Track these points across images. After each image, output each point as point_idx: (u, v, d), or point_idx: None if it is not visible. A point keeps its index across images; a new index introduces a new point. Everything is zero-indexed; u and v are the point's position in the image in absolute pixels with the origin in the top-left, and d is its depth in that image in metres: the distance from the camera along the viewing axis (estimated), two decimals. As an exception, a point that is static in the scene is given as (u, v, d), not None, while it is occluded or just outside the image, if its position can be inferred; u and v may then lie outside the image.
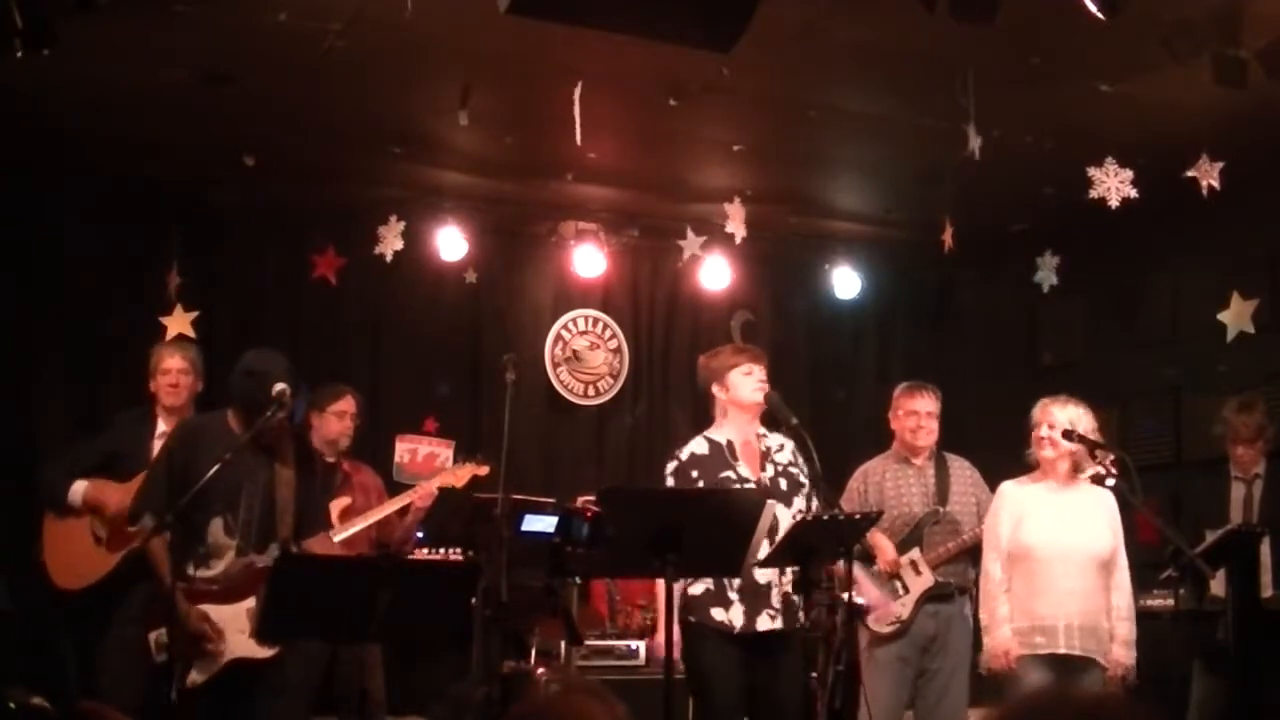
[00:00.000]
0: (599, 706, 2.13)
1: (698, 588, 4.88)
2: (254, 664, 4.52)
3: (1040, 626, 5.09)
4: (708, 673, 4.88)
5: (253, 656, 4.51)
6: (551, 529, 3.96)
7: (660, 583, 4.74)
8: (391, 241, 7.50)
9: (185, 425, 4.84)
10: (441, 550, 6.54)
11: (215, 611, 4.52)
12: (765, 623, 4.84)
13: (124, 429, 6.04)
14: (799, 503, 5.01)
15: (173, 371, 6.05)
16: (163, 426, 5.94)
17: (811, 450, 5.01)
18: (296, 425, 4.91)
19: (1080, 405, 5.23)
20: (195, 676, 4.46)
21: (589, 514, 3.91)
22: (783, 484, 5.00)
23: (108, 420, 6.27)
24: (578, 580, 4.25)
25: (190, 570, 4.59)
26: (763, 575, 4.81)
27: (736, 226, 7.29)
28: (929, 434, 5.92)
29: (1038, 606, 5.10)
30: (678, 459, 5.03)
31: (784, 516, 4.89)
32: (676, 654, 4.65)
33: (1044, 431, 5.19)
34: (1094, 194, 6.00)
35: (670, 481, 5.02)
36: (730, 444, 5.01)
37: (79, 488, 5.79)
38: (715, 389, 5.10)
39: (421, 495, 6.41)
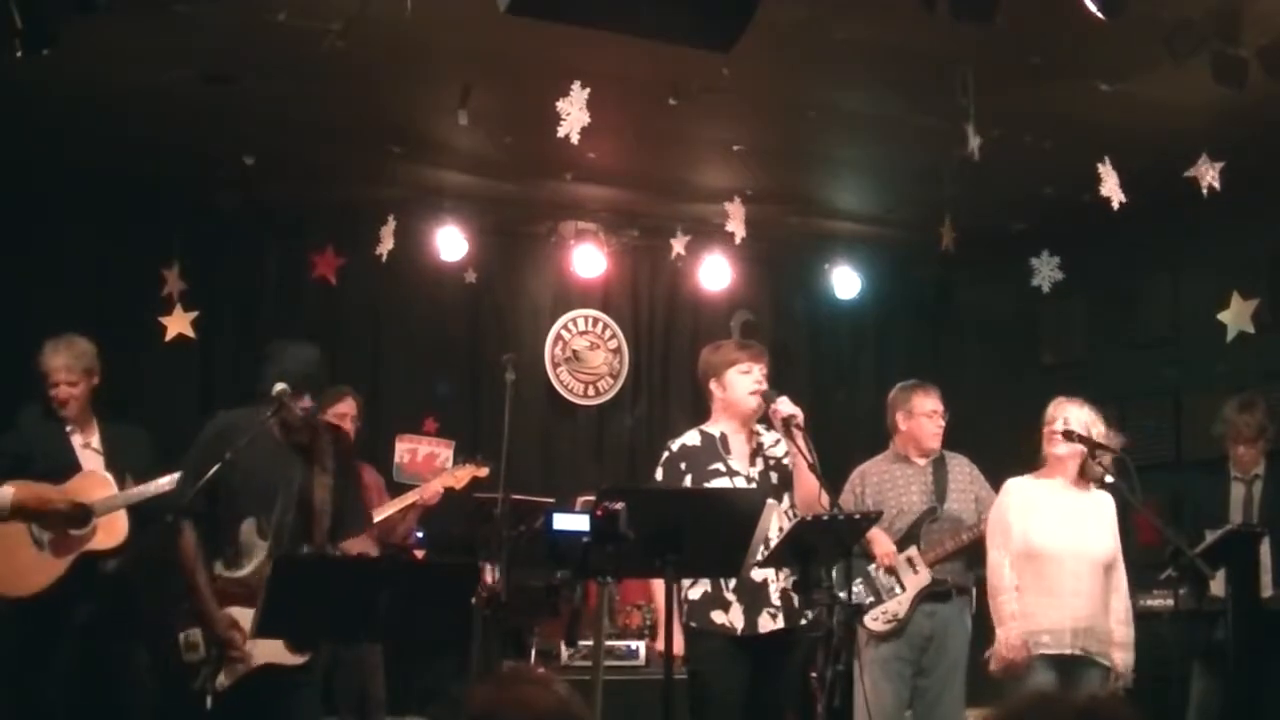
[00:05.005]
0: (545, 693, 2.13)
1: (695, 592, 4.85)
2: (282, 670, 4.49)
3: (1049, 628, 5.06)
4: (709, 678, 4.85)
5: (281, 663, 4.48)
6: (585, 527, 3.92)
7: (655, 583, 4.75)
8: (386, 241, 7.50)
9: (219, 421, 4.75)
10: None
11: (243, 615, 4.48)
12: (767, 623, 4.82)
13: (31, 428, 5.65)
14: (790, 498, 4.99)
15: (61, 385, 5.59)
16: (71, 425, 5.62)
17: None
18: (318, 423, 4.83)
19: (1095, 411, 5.22)
20: (222, 680, 4.41)
21: (600, 512, 3.88)
22: (773, 478, 4.98)
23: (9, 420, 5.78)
24: (609, 580, 4.21)
25: (219, 570, 4.53)
26: (759, 573, 4.79)
27: (737, 226, 7.29)
28: (941, 434, 5.94)
29: (1046, 607, 5.06)
30: (669, 450, 5.02)
31: (774, 511, 4.88)
32: (677, 656, 4.64)
33: (1059, 426, 5.17)
34: (1103, 191, 5.99)
35: (659, 473, 5.01)
36: (724, 436, 4.99)
37: (6, 493, 5.33)
38: (713, 385, 5.06)
39: (425, 496, 6.41)
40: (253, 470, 4.50)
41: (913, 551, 5.83)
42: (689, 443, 5.00)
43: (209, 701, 4.34)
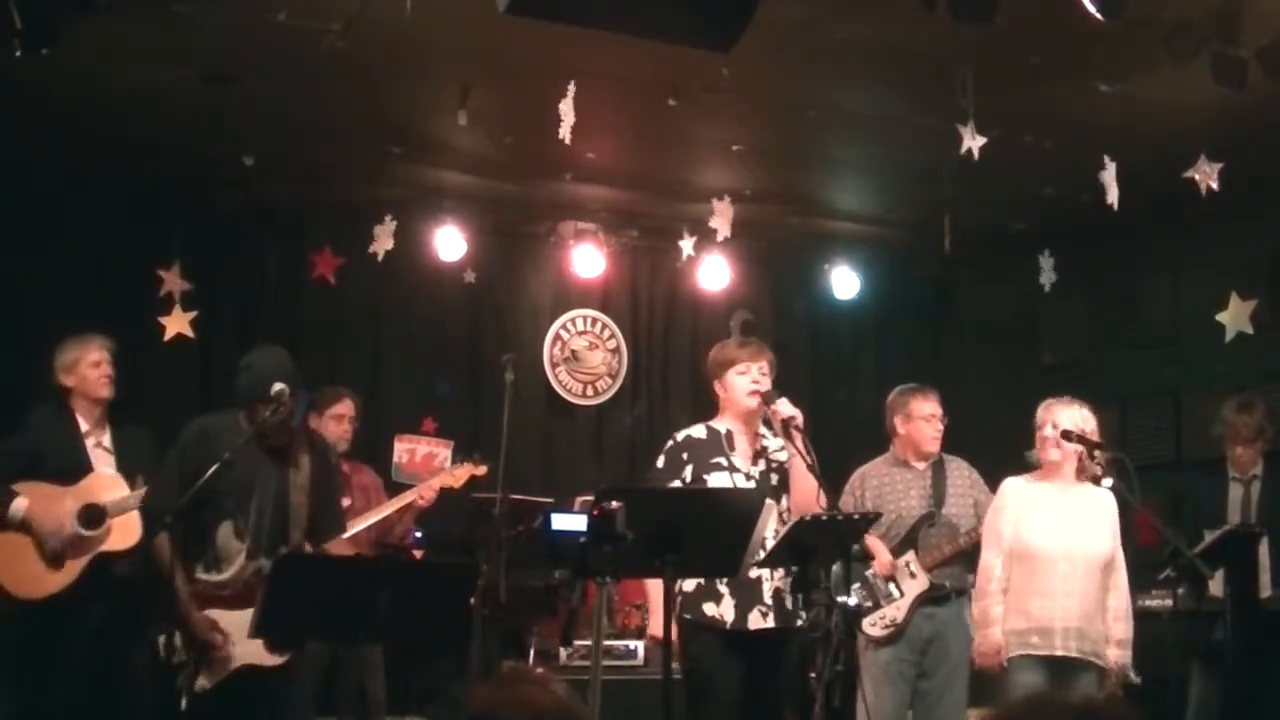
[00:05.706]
0: (544, 693, 2.14)
1: (689, 584, 4.86)
2: (263, 671, 4.50)
3: (1038, 628, 5.05)
4: (704, 669, 4.86)
5: (262, 664, 4.48)
6: (583, 527, 3.93)
7: (651, 582, 4.76)
8: (383, 241, 7.50)
9: (198, 425, 4.77)
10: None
11: (224, 617, 4.49)
12: (757, 620, 4.82)
13: (43, 428, 5.63)
14: (787, 500, 5.00)
15: (104, 363, 5.64)
16: (85, 425, 5.63)
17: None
18: (296, 426, 4.87)
19: (1085, 407, 5.20)
20: (203, 682, 4.43)
21: (597, 512, 3.89)
22: (773, 479, 4.99)
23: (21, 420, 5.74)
24: (608, 580, 4.22)
25: (199, 573, 4.56)
26: (753, 570, 4.79)
27: (722, 225, 7.30)
28: (940, 438, 5.93)
29: (1036, 607, 5.06)
30: (673, 439, 5.04)
31: (771, 512, 4.88)
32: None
33: (1048, 431, 5.15)
34: (1109, 198, 5.99)
35: (660, 460, 5.02)
36: (729, 434, 5.01)
37: (20, 505, 5.36)
38: (716, 385, 5.10)
39: (423, 495, 6.42)
40: (229, 472, 4.50)
41: (910, 557, 5.82)
42: (694, 434, 5.02)
43: (183, 703, 4.35)
